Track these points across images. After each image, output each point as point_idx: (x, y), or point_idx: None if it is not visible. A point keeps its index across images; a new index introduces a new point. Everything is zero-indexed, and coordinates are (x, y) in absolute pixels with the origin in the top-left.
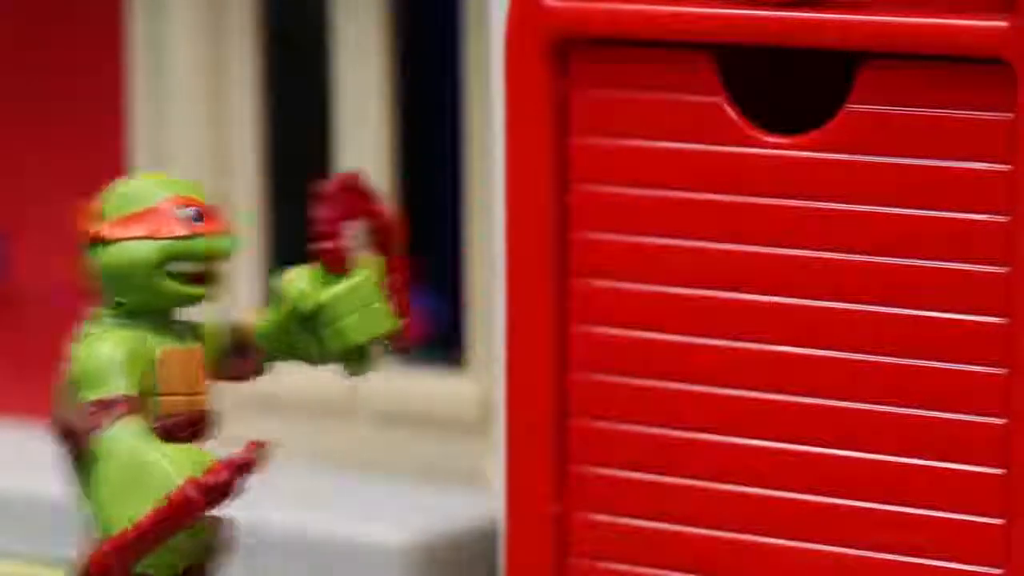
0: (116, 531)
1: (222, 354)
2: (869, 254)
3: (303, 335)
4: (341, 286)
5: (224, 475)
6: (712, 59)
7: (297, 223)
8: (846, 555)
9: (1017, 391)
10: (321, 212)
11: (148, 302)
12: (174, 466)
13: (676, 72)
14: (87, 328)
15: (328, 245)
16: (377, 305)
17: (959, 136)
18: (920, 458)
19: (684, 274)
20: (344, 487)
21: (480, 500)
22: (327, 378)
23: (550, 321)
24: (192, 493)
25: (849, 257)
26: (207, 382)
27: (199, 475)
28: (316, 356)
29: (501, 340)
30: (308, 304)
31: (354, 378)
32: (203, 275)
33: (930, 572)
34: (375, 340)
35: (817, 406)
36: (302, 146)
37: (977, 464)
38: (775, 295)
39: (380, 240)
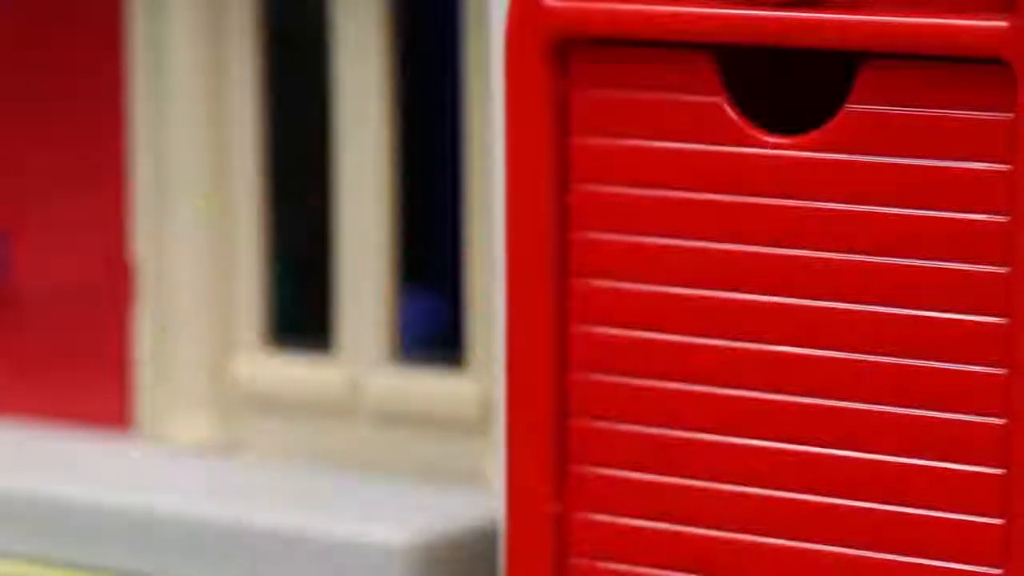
0: None
1: None
2: (869, 254)
3: None
4: None
5: None
6: (712, 59)
7: (297, 223)
8: (846, 555)
9: (1017, 391)
10: None
11: None
12: None
13: (676, 72)
14: None
15: None
16: None
17: (959, 136)
18: (920, 458)
19: (684, 274)
20: (344, 487)
21: (480, 500)
22: (327, 378)
23: (550, 321)
24: None
25: (849, 257)
26: None
27: None
28: None
29: (501, 340)
30: None
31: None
32: None
33: (930, 572)
34: None
35: (817, 406)
36: (302, 146)
37: (977, 464)
38: (775, 295)
39: None
